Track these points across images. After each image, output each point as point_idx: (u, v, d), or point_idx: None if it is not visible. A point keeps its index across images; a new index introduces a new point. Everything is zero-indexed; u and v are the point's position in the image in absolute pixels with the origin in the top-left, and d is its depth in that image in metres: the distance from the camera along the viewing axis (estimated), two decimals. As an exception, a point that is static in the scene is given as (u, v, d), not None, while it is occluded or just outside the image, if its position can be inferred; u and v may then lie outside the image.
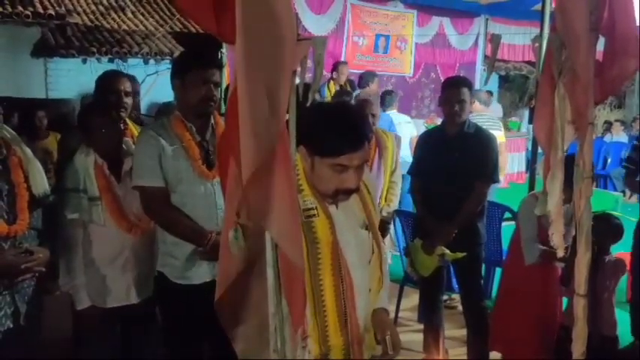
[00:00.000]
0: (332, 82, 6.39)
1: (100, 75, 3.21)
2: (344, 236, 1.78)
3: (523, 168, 10.29)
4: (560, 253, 1.74)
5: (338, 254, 1.75)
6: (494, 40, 5.39)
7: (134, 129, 2.99)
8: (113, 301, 2.70)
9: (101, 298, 2.69)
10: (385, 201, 4.06)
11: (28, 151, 2.38)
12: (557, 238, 1.64)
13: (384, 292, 1.96)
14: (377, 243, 1.89)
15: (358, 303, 1.80)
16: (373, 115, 4.02)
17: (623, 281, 3.44)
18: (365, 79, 6.22)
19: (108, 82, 3.10)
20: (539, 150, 4.40)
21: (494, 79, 11.99)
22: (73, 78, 7.25)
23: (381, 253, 1.93)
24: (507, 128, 11.58)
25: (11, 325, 2.28)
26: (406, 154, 5.02)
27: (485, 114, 6.19)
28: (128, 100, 3.08)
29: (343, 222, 1.80)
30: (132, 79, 3.87)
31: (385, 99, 6.10)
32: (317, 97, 4.85)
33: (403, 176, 4.28)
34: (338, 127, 1.64)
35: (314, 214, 1.71)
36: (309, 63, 1.29)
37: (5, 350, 2.28)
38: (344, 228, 1.79)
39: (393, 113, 6.06)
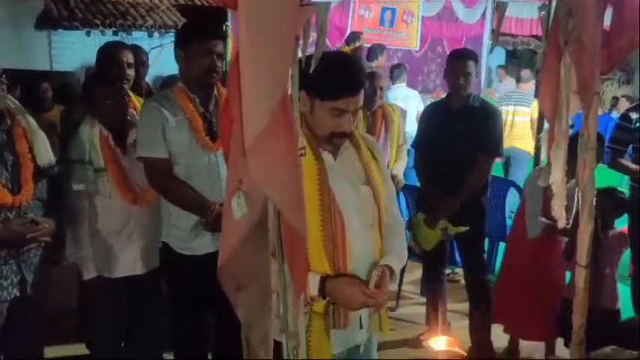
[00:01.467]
0: (346, 47, 6.35)
1: (101, 46, 3.18)
2: (341, 187, 1.83)
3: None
4: (561, 225, 1.74)
5: (329, 200, 1.78)
6: (500, 8, 5.32)
7: (137, 101, 2.98)
8: (119, 272, 2.72)
9: (107, 269, 2.71)
10: (394, 163, 4.06)
11: (33, 121, 2.38)
12: (558, 209, 1.63)
13: (392, 257, 1.90)
14: (379, 208, 1.89)
15: (352, 254, 1.80)
16: (381, 89, 4.00)
17: (627, 256, 3.45)
18: (374, 52, 6.16)
19: (110, 54, 3.08)
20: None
21: (501, 53, 11.85)
22: (76, 50, 7.21)
23: (384, 219, 1.91)
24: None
25: (18, 294, 2.31)
26: (413, 129, 5.00)
27: (518, 91, 6.39)
28: (131, 72, 3.06)
29: (339, 173, 1.85)
30: (138, 49, 3.84)
31: (394, 73, 6.06)
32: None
33: (408, 150, 4.26)
34: (338, 73, 1.75)
35: (302, 153, 1.76)
36: (312, 35, 1.28)
37: (13, 318, 2.31)
38: (340, 178, 1.84)
39: (402, 87, 6.02)
